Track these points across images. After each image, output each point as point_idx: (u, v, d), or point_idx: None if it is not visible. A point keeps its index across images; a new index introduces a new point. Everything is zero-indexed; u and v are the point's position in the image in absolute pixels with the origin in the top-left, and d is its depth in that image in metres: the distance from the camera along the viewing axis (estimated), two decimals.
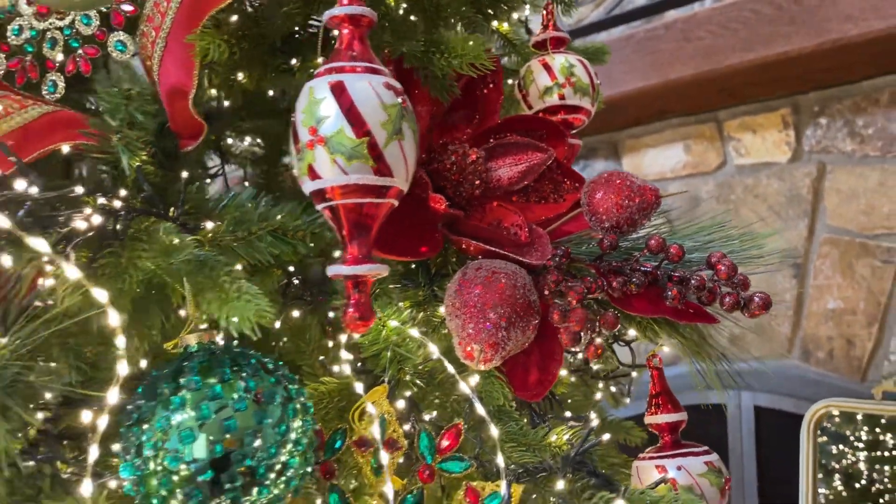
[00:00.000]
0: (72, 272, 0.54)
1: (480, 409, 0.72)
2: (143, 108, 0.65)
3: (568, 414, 0.84)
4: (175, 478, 0.58)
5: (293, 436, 0.61)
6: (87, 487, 0.54)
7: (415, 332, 0.76)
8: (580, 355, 0.93)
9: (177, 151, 0.77)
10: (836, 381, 2.28)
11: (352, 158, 0.56)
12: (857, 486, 2.82)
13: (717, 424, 2.42)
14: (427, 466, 0.72)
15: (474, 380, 0.76)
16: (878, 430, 3.36)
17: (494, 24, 1.08)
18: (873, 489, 3.06)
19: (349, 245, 0.60)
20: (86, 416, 0.58)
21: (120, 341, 0.55)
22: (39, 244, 0.52)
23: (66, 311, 0.60)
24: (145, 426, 0.59)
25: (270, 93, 0.96)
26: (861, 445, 2.81)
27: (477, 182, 0.87)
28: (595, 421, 0.83)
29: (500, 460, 0.70)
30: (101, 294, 0.54)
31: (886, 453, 3.34)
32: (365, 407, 0.75)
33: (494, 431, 0.71)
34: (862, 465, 2.75)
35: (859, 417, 2.84)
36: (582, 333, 0.74)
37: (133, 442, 0.58)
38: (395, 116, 0.57)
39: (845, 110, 2.21)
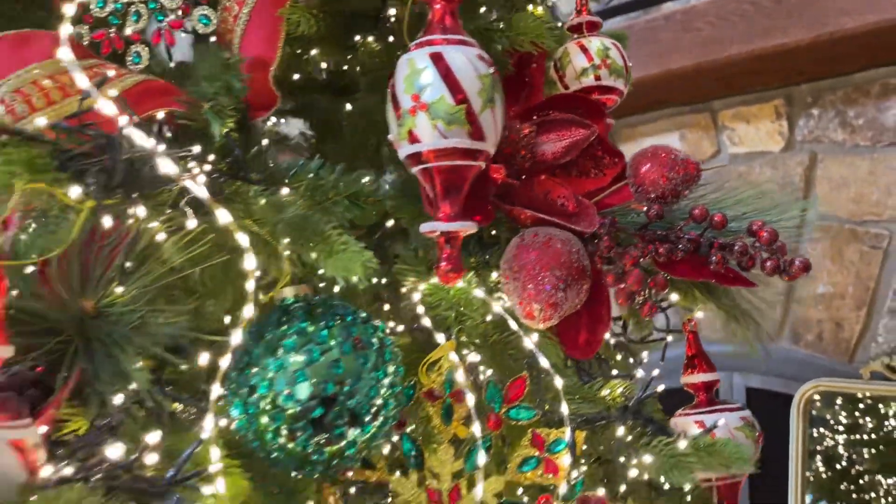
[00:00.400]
0: (223, 215, 0.59)
1: (545, 362, 0.79)
2: (239, 76, 0.70)
3: (614, 372, 0.91)
4: (284, 416, 0.63)
5: (388, 380, 0.67)
6: (209, 423, 0.59)
7: (479, 293, 0.82)
8: (620, 322, 1.00)
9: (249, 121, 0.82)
10: (824, 363, 2.39)
11: (451, 123, 0.62)
12: (838, 466, 2.94)
13: None
14: (495, 415, 0.78)
15: (533, 338, 0.82)
16: (857, 413, 3.50)
17: (529, 7, 1.14)
18: (853, 471, 3.19)
19: (441, 204, 0.66)
20: (203, 359, 0.63)
21: (250, 285, 0.60)
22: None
23: (176, 263, 0.65)
24: (256, 369, 0.64)
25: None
26: (841, 428, 2.93)
27: (527, 156, 0.93)
28: (655, 371, 0.90)
29: (563, 408, 0.77)
30: (243, 238, 0.59)
31: (865, 436, 3.49)
32: (434, 361, 0.81)
33: (558, 382, 0.77)
34: (841, 449, 2.87)
35: (839, 402, 2.96)
36: (637, 294, 0.80)
37: (244, 383, 0.64)
38: (488, 85, 0.63)
39: (837, 101, 2.30)
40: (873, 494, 3.50)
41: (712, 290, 0.93)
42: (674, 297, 0.91)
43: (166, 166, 0.59)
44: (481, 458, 0.76)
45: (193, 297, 0.68)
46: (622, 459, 0.72)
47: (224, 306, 0.75)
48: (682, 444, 0.72)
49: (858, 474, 3.48)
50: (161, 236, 0.66)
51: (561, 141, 0.99)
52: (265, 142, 0.76)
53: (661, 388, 0.82)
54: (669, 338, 1.00)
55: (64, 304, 0.62)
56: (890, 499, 3.48)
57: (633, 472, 0.74)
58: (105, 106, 0.60)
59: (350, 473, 0.80)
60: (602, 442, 0.77)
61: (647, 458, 0.73)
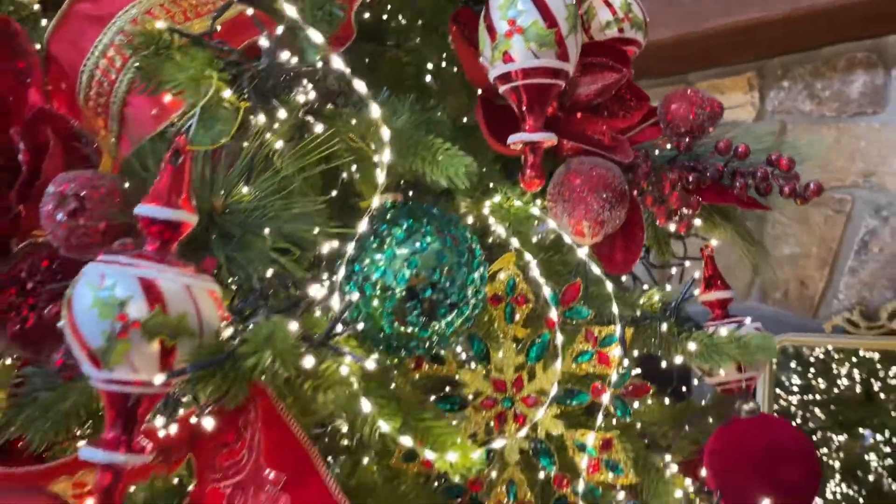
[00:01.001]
0: (374, 110, 0.69)
1: (596, 270, 0.91)
2: (341, 6, 0.79)
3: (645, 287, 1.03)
4: (395, 298, 0.73)
5: (477, 274, 0.78)
6: (336, 301, 0.69)
7: (535, 211, 0.93)
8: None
9: None
10: (790, 319, 2.58)
11: (542, 45, 0.73)
12: (793, 424, 3.16)
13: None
14: (551, 317, 0.89)
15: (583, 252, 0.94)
16: (809, 375, 3.75)
17: None
18: (805, 428, 3.44)
19: (528, 117, 0.76)
20: (325, 249, 0.73)
21: (380, 176, 0.70)
22: None
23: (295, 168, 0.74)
24: (369, 258, 0.74)
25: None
26: (795, 389, 3.16)
27: (567, 95, 1.05)
28: (696, 273, 1.03)
29: (614, 308, 0.89)
30: (385, 133, 0.69)
31: (817, 396, 3.75)
32: (497, 270, 0.92)
33: (609, 286, 0.89)
34: (794, 409, 3.09)
35: (793, 364, 3.19)
36: (675, 212, 0.93)
37: (360, 271, 0.74)
38: (573, 13, 0.74)
39: (806, 74, 2.48)
40: (825, 450, 3.76)
41: (730, 217, 1.06)
42: (697, 222, 1.04)
43: (302, 74, 0.68)
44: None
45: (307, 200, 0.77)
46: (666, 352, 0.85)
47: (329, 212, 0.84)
48: (720, 335, 0.85)
49: (811, 431, 3.75)
50: (279, 143, 0.75)
51: (595, 84, 1.11)
52: (348, 70, 0.85)
53: (697, 292, 0.95)
54: (687, 263, 1.12)
55: (198, 198, 0.71)
56: (841, 454, 3.75)
57: (678, 359, 0.87)
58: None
59: (426, 367, 0.91)
60: (647, 338, 0.90)
61: (691, 346, 0.85)
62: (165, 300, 0.54)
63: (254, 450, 0.72)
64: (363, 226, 0.73)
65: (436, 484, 0.94)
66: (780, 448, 0.84)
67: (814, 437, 3.80)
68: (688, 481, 0.91)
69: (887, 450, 3.54)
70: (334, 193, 0.81)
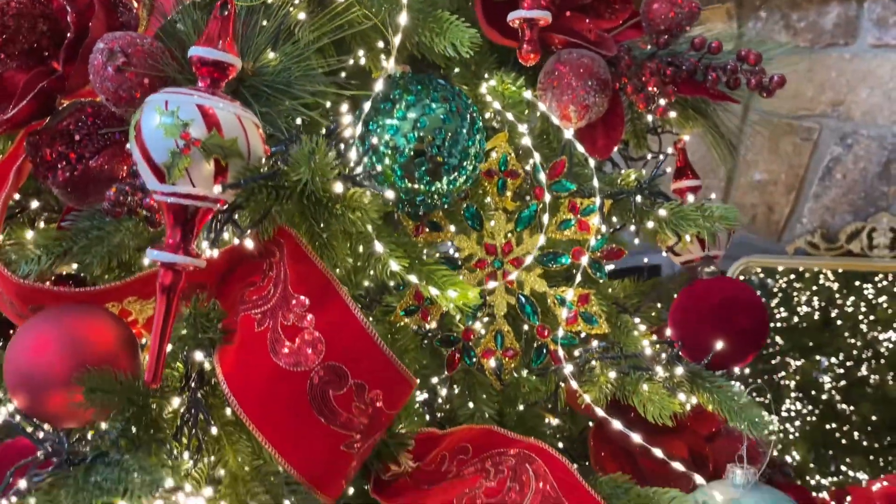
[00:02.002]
0: None
1: (580, 148, 1.02)
2: None
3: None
4: (405, 156, 0.84)
5: (477, 141, 0.89)
6: (354, 154, 0.79)
7: (527, 95, 1.03)
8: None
9: None
10: (756, 242, 2.73)
11: None
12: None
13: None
14: (540, 188, 1.00)
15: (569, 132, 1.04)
16: (772, 303, 3.93)
17: None
18: (764, 353, 3.64)
19: None
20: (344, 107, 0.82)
21: (395, 41, 0.79)
22: None
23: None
24: (382, 121, 0.84)
25: None
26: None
27: None
28: (669, 151, 1.14)
29: (595, 182, 1.00)
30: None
31: (778, 324, 3.94)
32: (491, 148, 1.02)
33: (591, 162, 1.00)
34: None
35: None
36: (653, 97, 1.03)
37: (373, 130, 0.84)
38: None
39: (782, 5, 2.57)
40: (783, 373, 3.99)
41: (704, 113, 1.18)
42: (672, 114, 1.15)
43: None
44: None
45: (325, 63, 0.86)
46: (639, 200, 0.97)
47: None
48: (687, 205, 0.97)
49: (770, 356, 3.97)
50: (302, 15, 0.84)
51: None
52: None
53: (668, 169, 1.06)
54: (661, 157, 1.24)
55: None
56: (797, 377, 3.98)
57: (650, 224, 0.99)
58: None
59: (425, 233, 1.02)
60: (624, 210, 1.01)
61: (661, 213, 0.97)
62: (220, 125, 0.64)
63: (280, 283, 0.83)
64: (378, 87, 0.83)
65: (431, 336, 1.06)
66: (735, 301, 0.97)
67: (772, 362, 4.02)
68: (654, 338, 1.04)
69: (840, 371, 3.77)
70: (351, 62, 0.90)
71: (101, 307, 0.79)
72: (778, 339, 4.09)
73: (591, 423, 1.23)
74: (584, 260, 1.00)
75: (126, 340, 0.78)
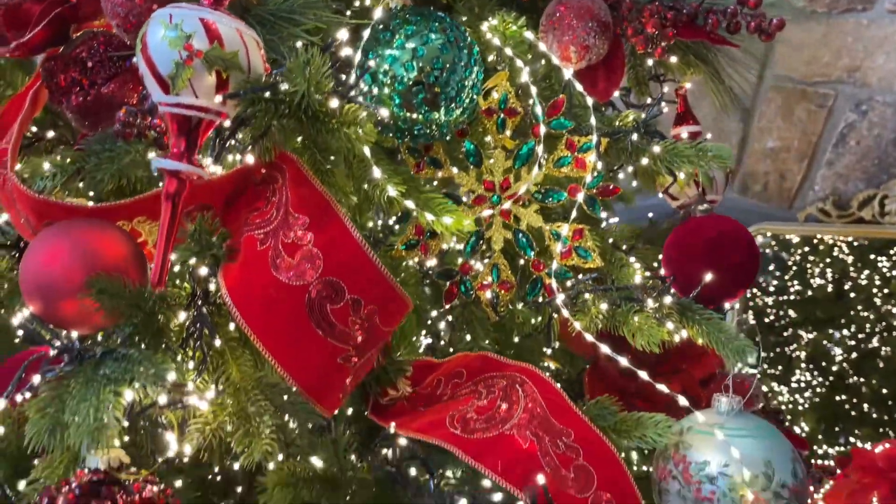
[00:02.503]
0: None
1: (579, 87, 1.04)
2: None
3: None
4: (404, 85, 0.87)
5: (474, 74, 0.92)
6: (353, 77, 0.82)
7: (528, 35, 1.05)
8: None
9: None
10: (767, 210, 2.73)
11: None
12: (766, 321, 3.36)
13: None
14: (538, 126, 1.03)
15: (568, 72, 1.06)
16: (786, 277, 3.94)
17: None
18: (776, 325, 3.65)
19: None
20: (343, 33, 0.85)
21: None
22: None
23: None
24: (381, 50, 0.87)
25: None
26: (771, 290, 3.34)
27: None
28: (665, 88, 1.17)
29: (592, 120, 1.02)
30: None
31: (790, 297, 3.94)
32: (491, 87, 1.05)
33: (590, 101, 1.03)
34: (770, 309, 3.28)
35: (771, 267, 3.37)
36: (652, 38, 1.05)
37: (372, 58, 0.87)
38: None
39: None
40: (794, 345, 4.00)
41: (706, 59, 1.19)
42: (673, 59, 1.17)
43: None
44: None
45: None
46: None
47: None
48: (681, 143, 1.00)
49: (782, 328, 3.97)
50: None
51: None
52: None
53: (665, 109, 1.09)
54: (660, 96, 1.25)
55: None
56: (809, 349, 3.98)
57: (644, 160, 1.01)
58: None
59: (426, 170, 1.05)
60: (620, 149, 1.04)
61: (656, 150, 1.00)
62: (222, 38, 0.68)
63: (282, 206, 0.87)
64: (377, 14, 0.86)
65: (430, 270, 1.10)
66: (726, 237, 0.99)
67: (784, 334, 4.03)
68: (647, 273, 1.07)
69: (852, 343, 3.77)
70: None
71: (111, 223, 0.83)
72: (791, 312, 4.10)
73: (587, 366, 1.27)
74: (580, 196, 1.03)
75: (135, 255, 0.82)
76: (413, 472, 0.89)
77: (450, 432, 0.89)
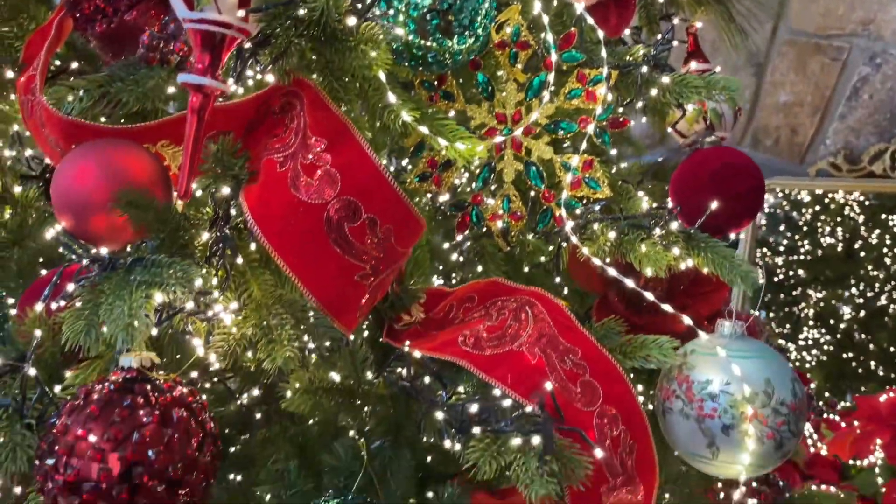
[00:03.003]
0: None
1: (590, 20, 1.06)
2: None
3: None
4: (418, 13, 0.89)
5: (486, 5, 0.94)
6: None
7: None
8: None
9: None
10: (778, 164, 2.73)
11: None
12: (775, 280, 3.38)
13: None
14: (549, 58, 1.05)
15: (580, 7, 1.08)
16: (797, 237, 3.94)
17: None
18: (785, 284, 3.66)
19: None
20: None
21: None
22: None
23: None
24: None
25: None
26: (781, 249, 3.35)
27: None
28: (676, 20, 1.18)
29: (603, 52, 1.04)
30: None
31: (800, 256, 3.95)
32: (504, 21, 1.07)
33: (600, 33, 1.04)
34: (779, 269, 3.29)
35: (782, 227, 3.38)
36: None
37: None
38: None
39: None
40: (803, 304, 4.01)
41: None
42: None
43: None
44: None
45: None
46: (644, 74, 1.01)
47: None
48: (690, 75, 1.02)
49: (791, 287, 3.99)
50: None
51: None
52: None
53: (675, 43, 1.10)
54: (675, 42, 1.27)
55: None
56: (817, 307, 4.00)
57: (653, 91, 1.03)
58: None
59: (439, 102, 1.07)
60: (630, 82, 1.06)
61: (665, 80, 1.02)
62: None
63: (300, 131, 0.90)
64: None
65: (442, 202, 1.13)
66: (732, 167, 1.01)
67: (794, 294, 4.05)
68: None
69: (860, 301, 3.79)
70: None
71: (138, 143, 0.86)
72: (801, 271, 4.11)
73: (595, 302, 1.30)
74: (591, 128, 1.05)
75: (161, 174, 0.85)
76: (426, 389, 0.93)
77: (461, 349, 0.93)
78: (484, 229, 1.12)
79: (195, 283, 0.71)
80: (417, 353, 0.91)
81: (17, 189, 1.09)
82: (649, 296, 0.96)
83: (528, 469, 0.74)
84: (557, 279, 1.09)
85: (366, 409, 0.95)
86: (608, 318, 0.99)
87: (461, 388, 0.92)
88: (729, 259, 0.99)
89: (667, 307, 0.96)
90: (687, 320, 0.96)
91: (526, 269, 1.17)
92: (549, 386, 0.81)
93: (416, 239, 0.92)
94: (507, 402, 0.82)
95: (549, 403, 0.78)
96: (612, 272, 0.97)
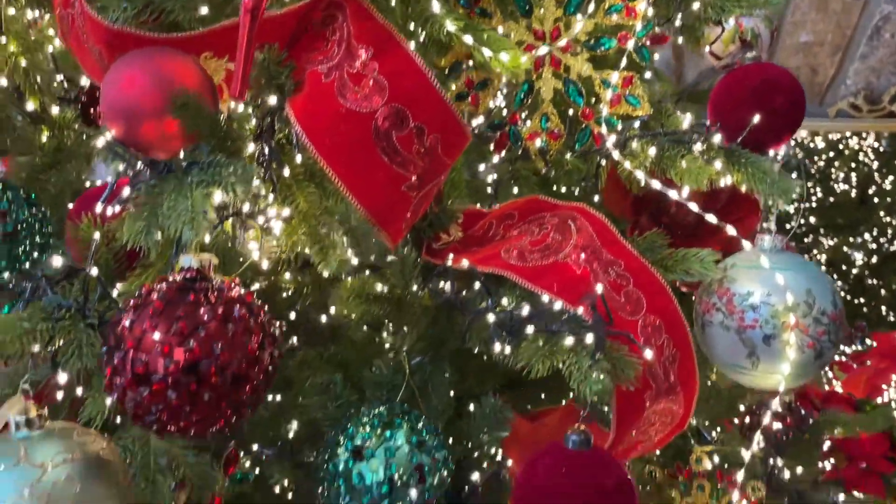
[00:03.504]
0: None
1: None
2: None
3: None
4: None
5: None
6: None
7: None
8: None
9: None
10: None
11: None
12: (787, 227, 3.37)
13: None
14: None
15: None
16: (809, 184, 3.91)
17: None
18: (798, 232, 3.66)
19: None
20: None
21: None
22: None
23: None
24: None
25: None
26: (793, 197, 3.34)
27: None
28: None
29: None
30: None
31: (813, 204, 3.93)
32: None
33: None
34: (791, 216, 3.28)
35: (794, 175, 3.36)
36: None
37: None
38: None
39: None
40: (815, 251, 4.01)
41: None
42: None
43: None
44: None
45: None
46: None
47: None
48: None
49: (803, 234, 3.98)
50: None
51: None
52: None
53: None
54: None
55: None
56: (829, 254, 3.99)
57: (695, 6, 1.02)
58: None
59: (475, 19, 1.06)
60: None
61: None
62: None
63: (343, 41, 0.89)
64: None
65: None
66: (772, 82, 1.01)
67: (805, 241, 4.04)
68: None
69: (873, 247, 3.80)
70: None
71: (184, 52, 0.86)
72: (812, 218, 4.10)
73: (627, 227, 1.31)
74: (630, 44, 1.05)
75: (208, 82, 0.85)
76: (470, 301, 0.94)
77: (505, 262, 0.93)
78: (521, 150, 1.12)
79: (253, 183, 0.72)
80: (465, 262, 0.92)
81: (55, 110, 1.09)
82: (694, 206, 0.97)
83: (580, 367, 0.76)
84: (596, 198, 1.10)
85: (406, 326, 0.97)
86: (651, 231, 0.99)
87: (504, 301, 0.93)
88: (769, 173, 1.00)
89: (711, 217, 0.97)
90: (731, 230, 0.97)
91: (563, 190, 1.17)
92: (599, 288, 0.82)
93: (461, 149, 0.92)
94: (558, 305, 0.83)
95: (599, 305, 0.79)
96: (655, 184, 0.98)
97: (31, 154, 1.12)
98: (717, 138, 0.99)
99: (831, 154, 4.09)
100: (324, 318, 1.17)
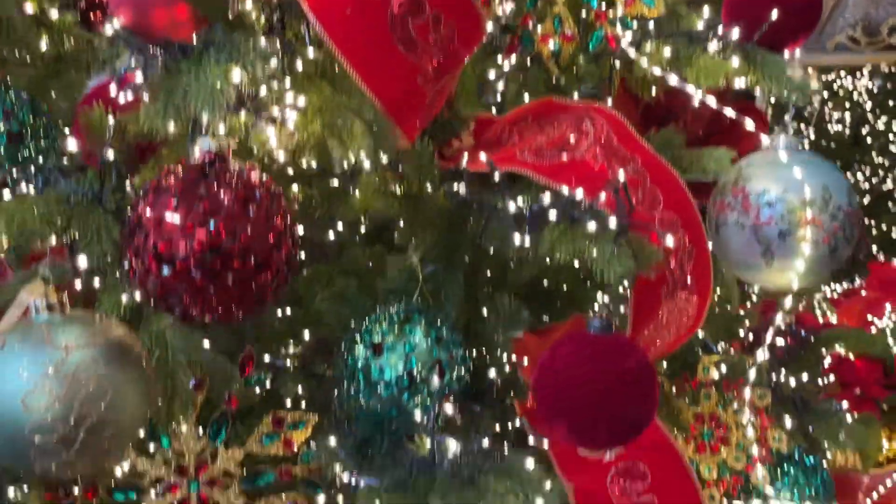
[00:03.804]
0: None
1: None
2: None
3: None
4: None
5: None
6: None
7: None
8: None
9: None
10: None
11: None
12: None
13: None
14: None
15: None
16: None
17: None
18: None
19: None
20: None
21: None
22: None
23: None
24: None
25: None
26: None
27: None
28: None
29: None
30: None
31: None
32: None
33: None
34: None
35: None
36: None
37: None
38: None
39: None
40: None
41: None
42: None
43: None
44: None
45: None
46: None
47: None
48: None
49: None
50: None
51: None
52: None
53: None
54: None
55: None
56: None
57: None
58: None
59: None
60: None
61: None
62: None
63: None
64: None
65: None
66: None
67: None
68: None
69: (865, 187, 3.82)
70: None
71: None
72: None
73: None
74: None
75: None
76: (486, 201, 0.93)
77: (522, 160, 0.93)
78: (532, 53, 1.10)
79: (272, 62, 0.70)
80: (483, 156, 0.91)
81: (54, 14, 1.06)
82: (712, 101, 0.96)
83: (603, 252, 0.75)
84: (609, 101, 1.08)
85: (421, 230, 0.96)
86: (666, 128, 0.99)
87: (520, 200, 0.92)
88: (784, 71, 0.99)
89: (729, 111, 0.96)
90: (750, 124, 0.96)
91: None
92: (622, 175, 0.81)
93: (477, 41, 0.91)
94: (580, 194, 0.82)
95: (621, 192, 0.79)
96: (672, 79, 0.96)
97: (31, 63, 1.09)
98: (734, 34, 0.97)
99: (825, 94, 4.08)
100: (331, 235, 1.15)
